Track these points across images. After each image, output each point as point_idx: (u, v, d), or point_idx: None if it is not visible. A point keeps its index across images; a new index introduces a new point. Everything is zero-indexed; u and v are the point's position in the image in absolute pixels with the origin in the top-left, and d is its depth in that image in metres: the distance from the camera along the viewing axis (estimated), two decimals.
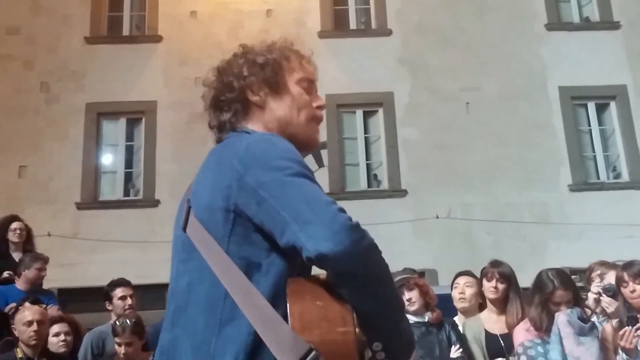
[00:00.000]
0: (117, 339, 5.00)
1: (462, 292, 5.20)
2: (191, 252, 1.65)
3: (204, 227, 1.62)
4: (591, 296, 4.81)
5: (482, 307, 5.14)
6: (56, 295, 6.61)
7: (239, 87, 1.83)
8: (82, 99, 13.06)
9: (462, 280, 5.30)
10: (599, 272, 5.34)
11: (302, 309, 1.46)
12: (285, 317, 1.45)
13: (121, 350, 4.97)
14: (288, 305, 1.46)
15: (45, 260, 6.45)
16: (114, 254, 11.75)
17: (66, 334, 5.15)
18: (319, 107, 1.93)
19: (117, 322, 5.05)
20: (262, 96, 1.83)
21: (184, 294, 1.65)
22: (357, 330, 1.48)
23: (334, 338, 1.43)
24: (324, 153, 12.72)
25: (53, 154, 12.69)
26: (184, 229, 1.69)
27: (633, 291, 4.28)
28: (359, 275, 1.47)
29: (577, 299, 4.48)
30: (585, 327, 4.30)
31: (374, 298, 1.50)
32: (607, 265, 5.42)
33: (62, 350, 5.09)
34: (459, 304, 5.21)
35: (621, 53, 13.78)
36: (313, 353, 1.38)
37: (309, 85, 1.91)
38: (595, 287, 4.81)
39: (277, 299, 1.51)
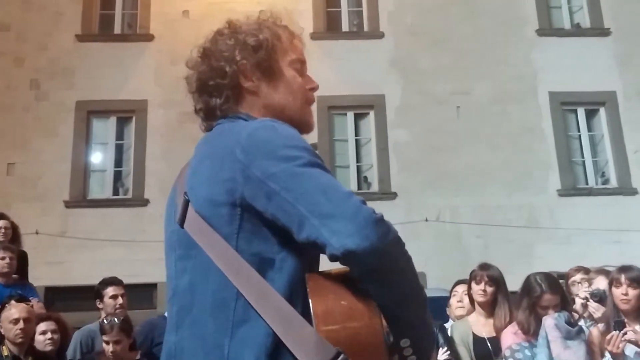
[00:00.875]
0: (105, 337, 4.96)
1: (461, 300, 5.26)
2: (190, 248, 1.56)
3: (208, 223, 1.52)
4: (578, 301, 4.84)
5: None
6: (43, 293, 6.55)
7: (231, 72, 1.70)
8: (73, 96, 13.01)
9: (460, 288, 5.35)
10: (576, 277, 5.37)
11: (326, 309, 1.39)
12: (305, 317, 1.39)
13: (109, 348, 4.93)
14: (311, 305, 1.39)
15: (9, 249, 6.32)
16: (102, 252, 11.72)
17: (53, 332, 5.12)
18: (312, 89, 1.84)
19: (105, 320, 5.02)
20: (255, 81, 1.73)
21: (186, 293, 1.56)
22: (385, 329, 1.42)
23: (362, 340, 1.37)
24: None
25: (42, 151, 12.63)
26: (181, 224, 1.59)
27: (625, 294, 4.28)
28: (386, 270, 1.40)
29: (564, 303, 4.50)
30: (572, 331, 4.32)
31: (400, 292, 1.43)
32: (584, 270, 5.46)
33: (49, 348, 5.06)
34: (457, 312, 5.25)
35: (611, 59, 13.85)
36: (342, 357, 1.32)
37: (301, 66, 1.82)
38: (583, 292, 4.84)
39: (293, 297, 1.44)
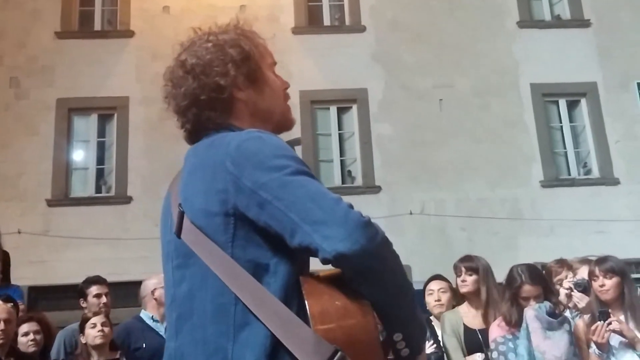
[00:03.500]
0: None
1: (439, 299, 5.21)
2: (188, 258, 1.62)
3: (203, 233, 1.57)
4: (563, 291, 4.87)
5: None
6: (26, 292, 6.49)
7: (227, 86, 1.75)
8: (53, 94, 12.90)
9: (435, 286, 5.31)
10: (561, 276, 5.37)
11: (322, 310, 1.45)
12: (299, 317, 1.45)
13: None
14: (307, 306, 1.45)
15: None
16: (85, 251, 11.65)
17: (35, 332, 5.06)
18: (286, 88, 1.90)
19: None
20: (246, 91, 1.78)
21: (185, 301, 1.62)
22: (378, 325, 1.49)
23: (358, 336, 1.43)
24: (298, 149, 12.59)
25: (23, 150, 12.52)
26: (178, 234, 1.64)
27: (602, 285, 4.34)
28: (377, 270, 1.47)
29: (547, 294, 4.53)
30: (553, 322, 4.35)
31: (391, 290, 1.51)
32: (563, 263, 5.48)
33: (31, 349, 5.00)
34: (435, 310, 5.19)
35: (592, 50, 13.94)
36: (339, 354, 1.38)
37: (274, 67, 1.90)
38: (567, 282, 4.87)
39: (289, 299, 1.50)
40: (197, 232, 1.59)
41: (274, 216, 1.49)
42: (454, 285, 5.18)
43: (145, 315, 5.25)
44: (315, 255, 1.46)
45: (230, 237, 1.55)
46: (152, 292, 5.25)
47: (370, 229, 1.45)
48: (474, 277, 4.85)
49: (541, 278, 4.65)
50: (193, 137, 1.81)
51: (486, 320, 4.73)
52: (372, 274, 1.47)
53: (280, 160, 1.54)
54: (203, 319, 1.56)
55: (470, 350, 4.71)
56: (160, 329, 5.06)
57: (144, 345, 4.95)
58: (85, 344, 4.90)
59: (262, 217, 1.51)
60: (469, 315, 4.88)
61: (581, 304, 4.46)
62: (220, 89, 1.75)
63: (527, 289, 4.46)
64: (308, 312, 1.44)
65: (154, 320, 5.16)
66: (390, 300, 1.51)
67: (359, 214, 1.46)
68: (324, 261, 1.44)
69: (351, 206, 1.47)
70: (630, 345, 4.13)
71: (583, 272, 4.82)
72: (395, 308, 1.52)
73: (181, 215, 1.64)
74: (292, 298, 1.50)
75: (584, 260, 5.15)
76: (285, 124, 1.88)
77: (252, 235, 1.55)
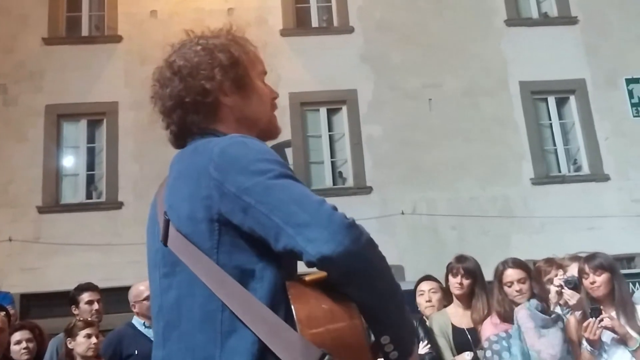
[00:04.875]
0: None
1: (429, 299, 5.22)
2: (175, 265, 1.60)
3: (189, 240, 1.56)
4: (553, 289, 4.88)
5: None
6: (17, 300, 6.47)
7: (212, 90, 1.74)
8: (41, 100, 12.85)
9: (426, 286, 5.32)
10: (551, 275, 5.38)
11: (309, 314, 1.44)
12: (286, 322, 1.45)
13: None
14: (294, 311, 1.44)
15: None
16: (77, 257, 11.59)
17: (28, 341, 5.05)
18: (274, 98, 1.90)
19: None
20: (232, 96, 1.78)
21: (173, 309, 1.60)
22: (365, 327, 1.48)
23: (346, 340, 1.43)
24: (289, 151, 12.70)
25: (12, 156, 12.46)
26: (165, 242, 1.63)
27: (593, 282, 4.36)
28: (362, 272, 1.46)
29: (537, 285, 4.58)
30: (547, 319, 4.37)
31: (378, 292, 1.49)
32: (552, 262, 5.49)
33: (24, 358, 4.99)
34: (427, 311, 5.19)
35: (579, 47, 14.00)
36: (327, 358, 1.38)
37: (264, 76, 1.89)
38: (557, 280, 4.88)
39: (275, 304, 1.49)
40: (183, 240, 1.58)
41: (258, 220, 1.48)
42: (444, 285, 5.19)
43: (137, 321, 5.23)
44: (300, 259, 1.45)
45: (215, 244, 1.54)
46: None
47: (354, 230, 1.44)
48: (470, 280, 4.86)
49: (524, 265, 4.71)
50: (178, 140, 1.81)
51: (475, 319, 4.75)
52: (357, 276, 1.46)
53: (263, 164, 1.53)
54: (191, 326, 1.54)
55: (459, 350, 4.72)
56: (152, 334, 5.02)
57: (135, 352, 4.92)
58: (72, 349, 4.87)
59: (246, 222, 1.50)
60: (457, 315, 4.89)
61: (572, 302, 4.48)
62: (205, 93, 1.74)
63: (509, 272, 4.57)
64: (295, 316, 1.43)
65: (145, 327, 5.14)
66: (376, 302, 1.49)
67: (342, 215, 1.45)
68: (309, 264, 1.43)
69: (335, 208, 1.46)
70: (621, 341, 4.15)
71: (573, 270, 4.84)
72: (382, 310, 1.51)
73: (167, 223, 1.62)
74: (280, 303, 1.49)
75: (574, 258, 5.17)
76: (271, 133, 1.88)
77: (237, 241, 1.54)
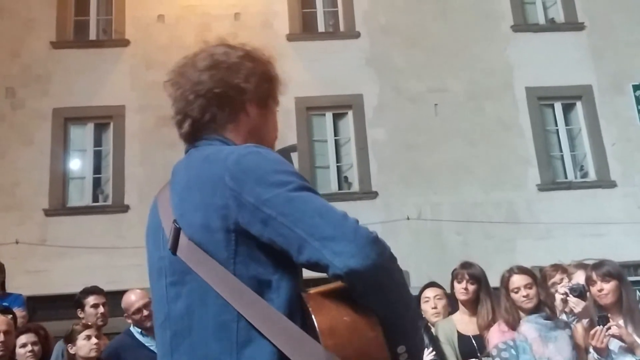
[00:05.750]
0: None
1: (435, 306, 5.23)
2: (184, 275, 1.59)
3: (203, 250, 1.55)
4: (558, 297, 4.87)
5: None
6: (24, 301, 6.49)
7: (245, 89, 1.77)
8: (49, 104, 12.89)
9: (431, 293, 5.33)
10: (556, 279, 5.36)
11: (331, 326, 1.45)
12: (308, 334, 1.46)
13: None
14: (316, 323, 1.45)
15: None
16: (82, 260, 11.61)
17: (33, 344, 5.04)
18: (276, 137, 1.92)
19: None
20: (255, 107, 1.80)
21: (183, 318, 1.59)
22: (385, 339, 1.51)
23: (368, 352, 1.44)
24: (294, 156, 12.70)
25: (19, 159, 12.50)
26: (174, 251, 1.61)
27: (600, 290, 4.35)
28: (386, 285, 1.48)
29: (537, 285, 4.58)
30: (552, 324, 4.36)
31: (398, 304, 1.52)
32: (562, 270, 5.47)
33: None
34: (432, 318, 5.20)
35: (586, 53, 13.97)
36: None
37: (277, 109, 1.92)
38: (562, 287, 4.88)
39: (292, 315, 1.50)
40: (196, 249, 1.56)
41: (279, 232, 1.48)
42: (448, 292, 5.19)
43: (134, 330, 5.17)
44: (324, 271, 1.45)
45: (232, 254, 1.54)
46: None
47: (379, 244, 1.46)
48: (475, 286, 4.86)
49: (530, 271, 4.72)
50: (189, 135, 1.78)
51: (480, 325, 4.74)
52: (382, 288, 1.48)
53: (282, 176, 1.53)
54: (204, 336, 1.54)
55: (465, 357, 4.72)
56: (151, 342, 4.95)
57: None
58: (74, 354, 4.88)
59: (265, 233, 1.50)
60: (462, 322, 4.89)
61: (577, 309, 4.47)
62: (238, 90, 1.76)
63: (516, 278, 4.58)
64: (317, 328, 1.44)
65: (143, 336, 5.10)
66: (397, 313, 1.52)
67: (367, 230, 1.47)
68: (335, 277, 1.44)
69: (357, 222, 1.48)
70: (629, 349, 4.13)
71: (578, 277, 4.83)
72: (400, 321, 1.53)
73: (177, 232, 1.61)
74: (297, 313, 1.50)
75: (580, 265, 5.16)
76: None
77: (253, 252, 1.54)
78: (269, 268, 1.53)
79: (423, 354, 1.59)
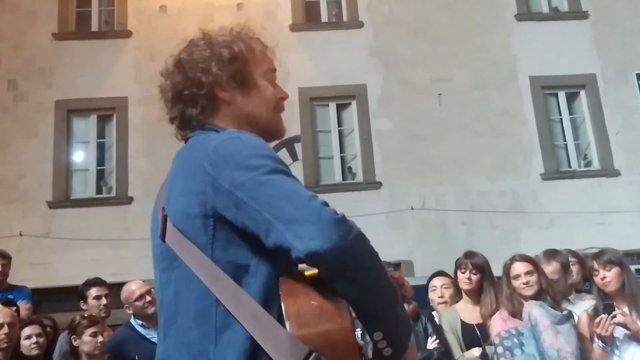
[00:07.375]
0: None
1: (442, 295, 5.27)
2: (173, 261, 1.61)
3: (185, 235, 1.57)
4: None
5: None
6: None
7: (207, 82, 1.76)
8: (52, 96, 12.89)
9: (438, 282, 5.36)
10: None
11: (298, 311, 1.44)
12: (279, 319, 1.44)
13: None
14: (283, 307, 1.44)
15: (4, 255, 6.34)
16: (86, 252, 11.65)
17: (38, 335, 5.04)
18: (282, 98, 1.89)
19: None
20: (230, 92, 1.78)
21: (171, 304, 1.61)
22: (354, 324, 1.48)
23: (333, 337, 1.41)
24: (298, 147, 12.71)
25: (22, 152, 12.51)
26: (163, 238, 1.64)
27: (603, 278, 4.36)
28: (351, 268, 1.44)
29: (539, 273, 4.55)
30: (560, 315, 4.35)
31: (368, 288, 1.48)
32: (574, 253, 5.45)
33: (34, 352, 4.99)
34: (439, 307, 5.23)
35: (590, 42, 13.92)
36: (314, 355, 1.37)
37: (272, 75, 1.88)
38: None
39: (269, 300, 1.49)
40: (179, 235, 1.58)
41: (249, 216, 1.48)
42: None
43: (135, 322, 5.16)
44: (290, 255, 1.44)
45: (210, 239, 1.55)
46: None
47: (343, 225, 1.43)
48: (479, 275, 4.87)
49: (531, 259, 4.71)
50: (181, 133, 1.83)
51: (483, 314, 4.75)
52: (346, 272, 1.44)
53: (256, 160, 1.52)
54: (187, 321, 1.56)
55: (468, 345, 4.74)
56: (152, 334, 4.96)
57: (136, 357, 4.88)
58: (77, 347, 4.88)
59: (238, 217, 1.50)
60: (466, 311, 4.91)
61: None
62: (200, 85, 1.76)
63: (517, 265, 4.56)
64: (284, 313, 1.43)
65: (144, 327, 5.10)
66: (366, 298, 1.48)
67: (332, 211, 1.44)
68: (297, 260, 1.43)
69: (326, 203, 1.46)
70: (634, 337, 4.13)
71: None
72: (372, 306, 1.49)
73: (165, 219, 1.63)
74: (273, 299, 1.49)
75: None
76: (274, 133, 1.86)
77: (231, 237, 1.54)
78: (247, 253, 1.53)
79: (408, 340, 1.54)
